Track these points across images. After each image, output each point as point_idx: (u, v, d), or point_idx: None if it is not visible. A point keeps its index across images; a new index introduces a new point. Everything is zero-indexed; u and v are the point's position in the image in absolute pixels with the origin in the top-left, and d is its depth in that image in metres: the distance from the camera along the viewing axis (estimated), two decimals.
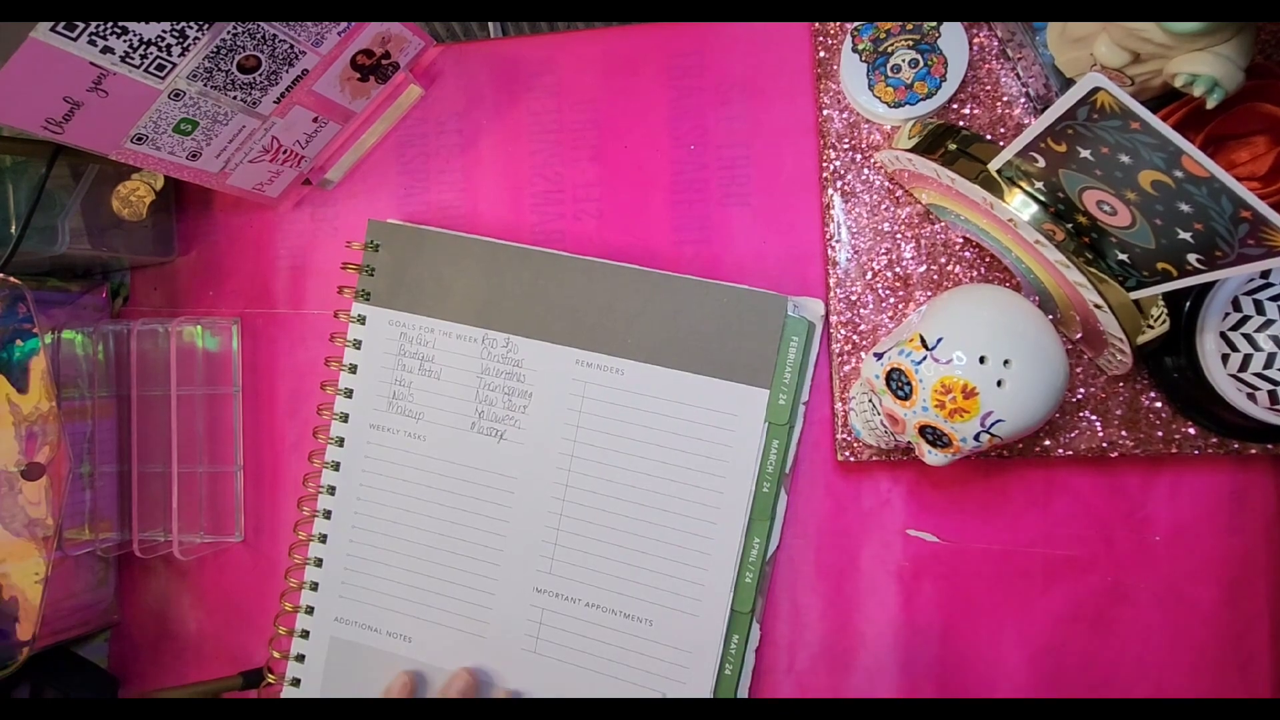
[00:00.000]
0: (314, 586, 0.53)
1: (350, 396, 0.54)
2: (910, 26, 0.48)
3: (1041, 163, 0.37)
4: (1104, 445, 0.46)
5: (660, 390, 0.49)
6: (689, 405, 0.49)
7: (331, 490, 0.53)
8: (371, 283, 0.54)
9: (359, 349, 0.54)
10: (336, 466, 0.53)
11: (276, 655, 0.54)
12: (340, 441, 0.53)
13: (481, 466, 0.52)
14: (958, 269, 0.48)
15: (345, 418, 0.53)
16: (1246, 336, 0.41)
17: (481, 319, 0.52)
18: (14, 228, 0.50)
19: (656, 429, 0.50)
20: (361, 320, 0.54)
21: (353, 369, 0.54)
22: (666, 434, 0.49)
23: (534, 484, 0.51)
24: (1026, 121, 0.47)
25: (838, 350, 0.49)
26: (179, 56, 0.40)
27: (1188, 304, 0.42)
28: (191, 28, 0.39)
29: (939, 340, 0.39)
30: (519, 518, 0.51)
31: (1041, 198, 0.38)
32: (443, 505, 0.52)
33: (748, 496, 0.48)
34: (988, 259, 0.48)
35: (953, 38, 0.47)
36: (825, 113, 0.50)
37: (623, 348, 0.50)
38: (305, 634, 0.53)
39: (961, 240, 0.48)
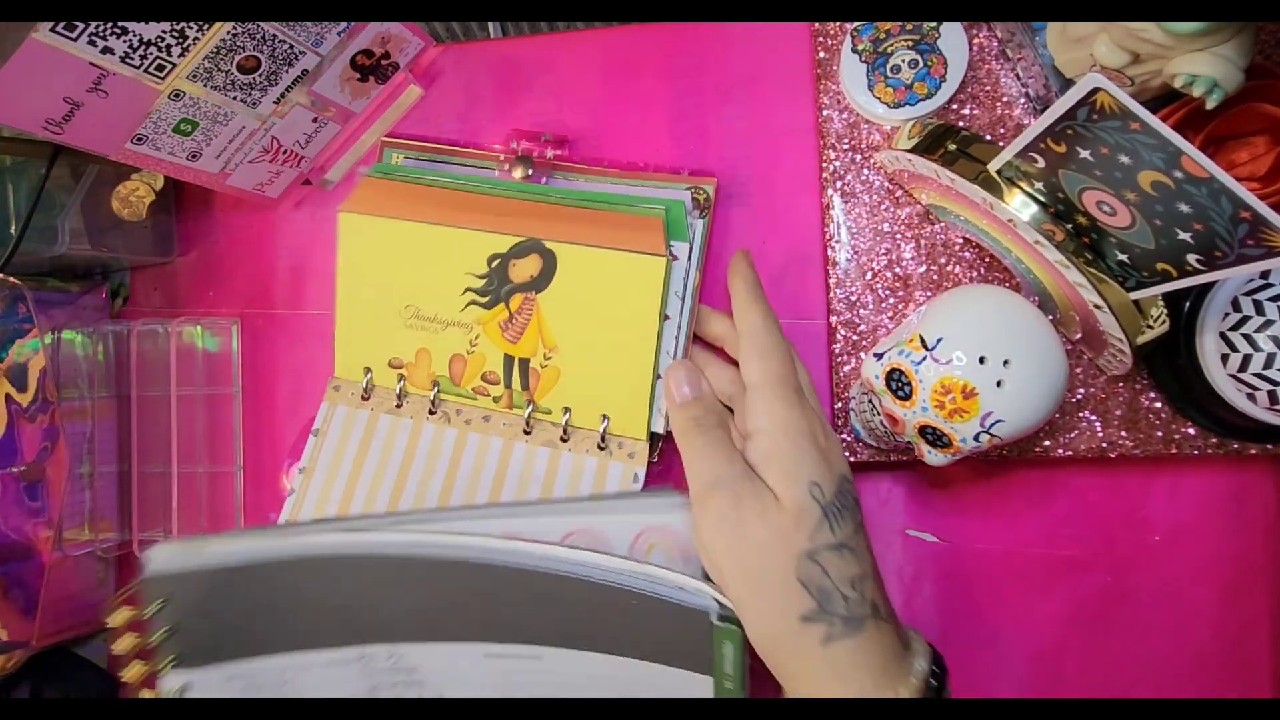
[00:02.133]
0: None
1: None
2: (910, 27, 0.48)
3: (1041, 163, 0.37)
4: (1104, 445, 0.46)
5: (589, 680, 0.41)
6: (624, 693, 0.40)
7: None
8: (178, 643, 0.41)
9: None
10: None
11: None
12: None
13: None
14: (958, 269, 0.48)
15: None
16: (1246, 337, 0.41)
17: (350, 636, 0.41)
18: (14, 228, 0.50)
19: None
20: (183, 693, 0.42)
21: None
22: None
23: None
24: (1026, 122, 0.47)
25: (838, 350, 0.49)
26: (179, 56, 0.40)
27: (1187, 304, 0.42)
28: (191, 28, 0.39)
29: (939, 340, 0.39)
30: None
31: (1041, 198, 0.38)
32: None
33: None
34: (988, 259, 0.48)
35: (952, 38, 0.47)
36: (825, 113, 0.50)
37: (536, 634, 0.40)
38: None
39: (961, 240, 0.48)
